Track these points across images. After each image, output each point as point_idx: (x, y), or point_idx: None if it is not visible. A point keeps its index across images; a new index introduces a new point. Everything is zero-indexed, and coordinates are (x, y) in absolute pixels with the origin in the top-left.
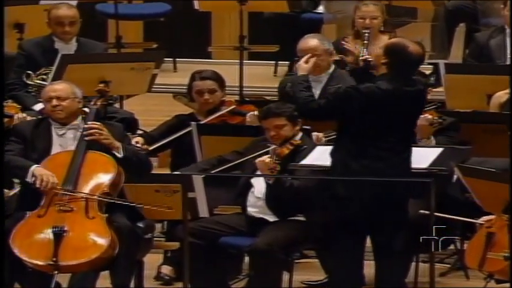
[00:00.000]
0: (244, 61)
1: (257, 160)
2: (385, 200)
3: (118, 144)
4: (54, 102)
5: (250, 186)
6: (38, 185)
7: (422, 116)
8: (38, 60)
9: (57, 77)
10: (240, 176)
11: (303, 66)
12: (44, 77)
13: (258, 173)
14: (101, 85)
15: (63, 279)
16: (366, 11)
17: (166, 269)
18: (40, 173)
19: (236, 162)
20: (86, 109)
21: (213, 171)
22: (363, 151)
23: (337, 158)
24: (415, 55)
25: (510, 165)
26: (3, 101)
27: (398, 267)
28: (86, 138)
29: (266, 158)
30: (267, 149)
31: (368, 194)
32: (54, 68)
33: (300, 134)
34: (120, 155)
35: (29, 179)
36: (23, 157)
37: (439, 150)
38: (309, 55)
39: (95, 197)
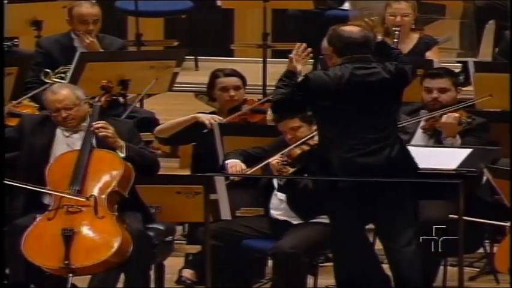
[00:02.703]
0: (268, 59)
1: (269, 161)
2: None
3: (122, 143)
4: (64, 113)
5: (273, 188)
6: None
7: (450, 114)
8: (56, 58)
9: (75, 76)
10: (261, 177)
11: (292, 63)
12: (63, 75)
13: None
14: (104, 81)
15: (84, 281)
16: (397, 8)
17: (188, 273)
18: None
19: (262, 164)
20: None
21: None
22: (333, 142)
23: (317, 152)
24: (348, 34)
25: (510, 165)
26: (4, 101)
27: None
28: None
29: (273, 160)
30: (283, 151)
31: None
32: (72, 66)
33: None
34: (122, 154)
35: None
36: (11, 145)
37: (468, 151)
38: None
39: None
